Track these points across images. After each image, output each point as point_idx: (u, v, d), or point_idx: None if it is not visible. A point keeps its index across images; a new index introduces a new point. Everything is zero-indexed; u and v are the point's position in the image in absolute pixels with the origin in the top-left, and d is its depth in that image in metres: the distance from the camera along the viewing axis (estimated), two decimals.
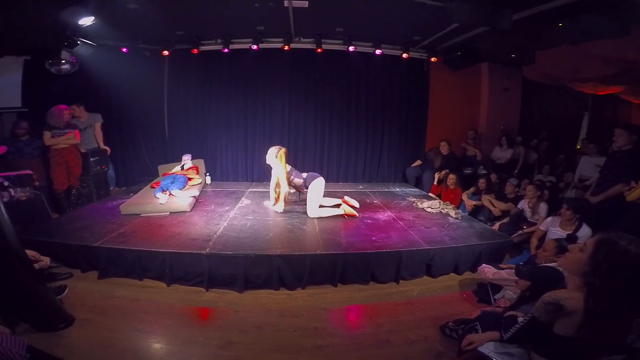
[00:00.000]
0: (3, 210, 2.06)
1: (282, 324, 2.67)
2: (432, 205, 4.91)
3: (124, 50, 5.87)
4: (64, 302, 2.67)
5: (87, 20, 4.26)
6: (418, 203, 5.11)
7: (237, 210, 4.54)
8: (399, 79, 6.83)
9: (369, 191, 6.01)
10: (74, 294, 2.88)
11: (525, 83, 7.15)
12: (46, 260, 2.91)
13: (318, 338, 2.51)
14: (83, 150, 5.08)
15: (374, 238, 3.66)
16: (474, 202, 5.14)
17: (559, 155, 6.90)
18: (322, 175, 4.58)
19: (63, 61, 5.06)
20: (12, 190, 3.94)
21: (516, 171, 6.30)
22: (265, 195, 5.41)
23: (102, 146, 5.56)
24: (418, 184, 6.60)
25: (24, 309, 2.35)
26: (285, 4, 4.39)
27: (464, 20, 4.11)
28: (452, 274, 3.61)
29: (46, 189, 4.73)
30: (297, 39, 6.11)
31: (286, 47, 5.94)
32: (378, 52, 6.15)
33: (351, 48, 6.08)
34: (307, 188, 4.35)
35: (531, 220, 4.31)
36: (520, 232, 4.20)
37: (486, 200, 4.97)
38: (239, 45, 6.08)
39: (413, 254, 3.42)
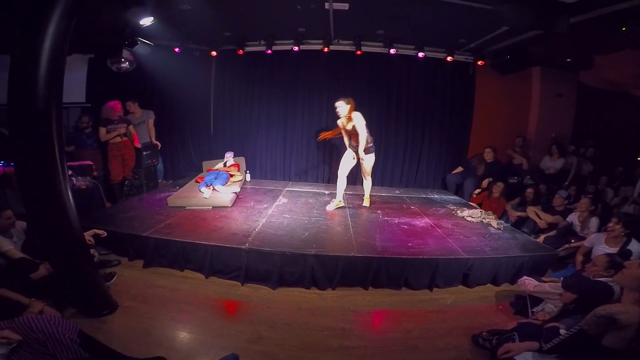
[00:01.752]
0: (70, 198, 2.25)
1: (311, 322, 2.72)
2: (472, 214, 4.75)
3: (177, 50, 6.20)
4: (110, 288, 2.85)
5: (147, 21, 4.55)
6: (458, 211, 4.96)
7: (274, 208, 4.66)
8: (441, 82, 6.64)
9: (406, 196, 5.93)
10: (120, 281, 3.09)
11: (581, 88, 6.67)
12: (103, 232, 3.13)
13: (345, 339, 2.54)
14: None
15: (410, 244, 3.62)
16: (518, 213, 4.90)
17: (617, 167, 6.38)
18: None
19: (123, 59, 5.44)
20: (74, 179, 4.30)
21: (567, 182, 5.92)
22: (302, 194, 5.53)
23: (154, 141, 5.92)
24: (458, 191, 6.39)
25: (76, 293, 2.54)
26: (326, 6, 4.43)
27: (516, 24, 3.91)
28: (489, 284, 3.50)
29: (102, 179, 5.12)
30: (336, 40, 6.14)
31: (326, 49, 5.98)
32: (420, 55, 6.02)
33: (392, 51, 6.00)
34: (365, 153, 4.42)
35: (581, 234, 4.05)
36: (567, 245, 3.97)
37: (532, 211, 4.73)
38: (281, 46, 6.21)
39: (450, 262, 3.35)
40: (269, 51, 6.13)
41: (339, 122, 4.60)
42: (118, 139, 5.09)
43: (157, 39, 5.84)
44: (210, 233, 3.60)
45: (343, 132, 4.68)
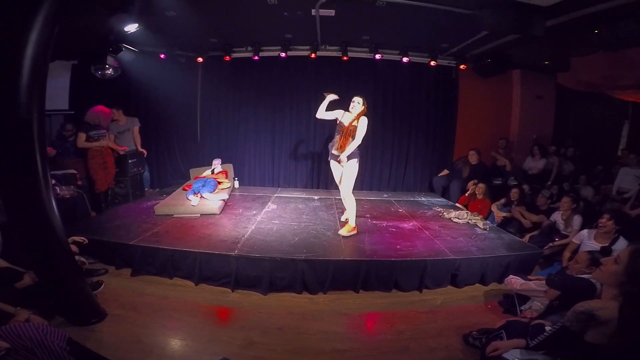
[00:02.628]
0: (55, 207, 2.21)
1: (303, 327, 2.72)
2: (459, 216, 4.82)
3: (162, 56, 6.14)
4: (98, 297, 2.80)
5: (132, 27, 4.50)
6: (445, 213, 5.03)
7: (263, 214, 4.65)
8: (426, 86, 6.77)
9: (394, 200, 5.98)
10: (108, 290, 3.04)
11: (560, 90, 6.90)
12: (83, 239, 3.05)
13: (337, 342, 2.55)
14: (122, 153, 5.36)
15: (398, 246, 3.66)
16: (504, 214, 5.00)
17: (596, 166, 6.58)
18: None
19: (107, 66, 5.36)
20: (57, 188, 4.18)
21: (549, 182, 6.07)
22: (291, 200, 5.52)
23: (140, 149, 5.81)
24: (445, 194, 6.48)
25: (64, 302, 2.48)
26: (313, 12, 4.48)
27: (495, 28, 4.03)
28: (477, 284, 3.55)
29: (87, 188, 4.99)
30: (323, 46, 6.20)
31: (313, 55, 6.04)
32: (405, 59, 6.12)
33: (377, 56, 6.09)
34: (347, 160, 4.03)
35: (564, 232, 4.16)
36: (551, 244, 4.06)
37: (517, 211, 4.83)
38: (268, 52, 6.24)
39: (438, 263, 3.40)
40: (256, 57, 6.14)
41: (343, 116, 4.29)
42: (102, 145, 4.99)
43: (142, 45, 5.80)
44: (199, 240, 3.56)
45: (338, 128, 4.32)
